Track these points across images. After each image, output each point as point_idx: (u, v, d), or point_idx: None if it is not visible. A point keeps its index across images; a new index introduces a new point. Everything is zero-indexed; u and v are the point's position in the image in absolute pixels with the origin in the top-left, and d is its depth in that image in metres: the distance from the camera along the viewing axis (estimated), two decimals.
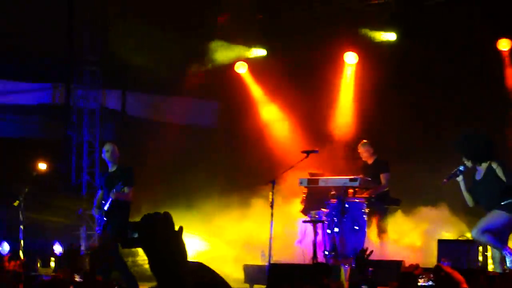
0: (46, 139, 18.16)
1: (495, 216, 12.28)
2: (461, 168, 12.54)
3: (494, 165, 12.46)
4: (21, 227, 15.72)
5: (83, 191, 17.87)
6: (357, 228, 14.12)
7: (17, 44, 17.23)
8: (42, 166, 17.06)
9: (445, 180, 12.93)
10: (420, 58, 16.56)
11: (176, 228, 5.30)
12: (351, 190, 14.67)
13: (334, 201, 14.32)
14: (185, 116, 18.57)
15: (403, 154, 15.82)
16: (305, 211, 14.93)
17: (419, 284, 7.82)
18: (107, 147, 13.92)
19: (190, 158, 17.03)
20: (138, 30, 17.45)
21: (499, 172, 12.42)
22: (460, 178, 12.56)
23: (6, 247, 15.87)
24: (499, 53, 16.65)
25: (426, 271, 8.00)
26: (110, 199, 13.48)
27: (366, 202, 14.46)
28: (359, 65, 17.51)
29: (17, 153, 17.56)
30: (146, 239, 7.26)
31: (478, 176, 12.47)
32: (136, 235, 7.53)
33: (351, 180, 14.66)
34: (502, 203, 12.28)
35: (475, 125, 14.76)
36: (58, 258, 15.47)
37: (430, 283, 8.03)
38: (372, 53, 17.21)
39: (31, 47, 17.34)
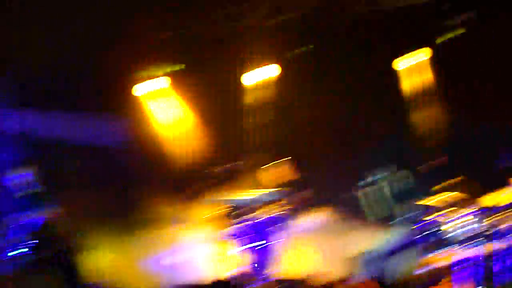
0: None
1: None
2: (381, 175, 13.80)
3: (403, 176, 13.60)
4: None
5: None
6: (269, 245, 14.16)
7: None
8: None
9: (361, 185, 14.15)
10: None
11: None
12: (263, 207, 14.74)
13: (246, 218, 14.43)
14: (91, 133, 17.49)
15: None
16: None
17: None
18: (27, 167, 14.30)
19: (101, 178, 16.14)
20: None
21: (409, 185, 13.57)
22: (379, 186, 13.74)
23: None
24: (396, 71, 16.67)
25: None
26: (31, 220, 13.61)
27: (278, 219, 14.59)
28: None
29: None
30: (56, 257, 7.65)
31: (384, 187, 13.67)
32: (47, 255, 8.02)
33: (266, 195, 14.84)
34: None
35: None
36: None
37: None
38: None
39: None
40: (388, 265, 13.05)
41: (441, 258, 12.81)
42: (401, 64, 16.70)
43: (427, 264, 12.06)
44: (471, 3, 16.33)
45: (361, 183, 13.72)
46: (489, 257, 12.86)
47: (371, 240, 13.94)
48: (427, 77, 16.70)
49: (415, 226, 13.29)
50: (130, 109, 17.43)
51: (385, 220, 13.67)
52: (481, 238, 13.26)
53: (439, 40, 16.62)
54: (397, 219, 13.39)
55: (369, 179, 13.72)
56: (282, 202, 14.78)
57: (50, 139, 17.31)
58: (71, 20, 16.39)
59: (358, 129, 15.96)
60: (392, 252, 13.07)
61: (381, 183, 13.70)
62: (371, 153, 14.08)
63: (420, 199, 14.49)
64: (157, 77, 17.47)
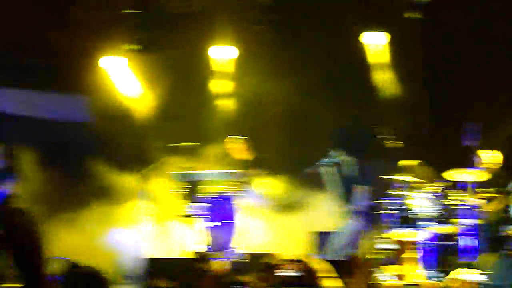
0: None
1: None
2: (335, 159, 13.47)
3: (349, 161, 13.91)
4: None
5: None
6: (230, 222, 14.05)
7: None
8: None
9: (310, 170, 14.01)
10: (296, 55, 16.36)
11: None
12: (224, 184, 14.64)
13: (212, 194, 14.31)
14: (60, 111, 17.74)
15: None
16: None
17: (279, 273, 7.85)
18: None
19: (61, 153, 16.11)
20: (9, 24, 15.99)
21: (353, 170, 13.90)
22: (325, 169, 13.64)
23: None
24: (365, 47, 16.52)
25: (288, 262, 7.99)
26: None
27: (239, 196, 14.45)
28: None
29: None
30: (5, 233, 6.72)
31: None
32: None
33: (224, 174, 14.73)
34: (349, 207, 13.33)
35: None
36: None
37: (291, 273, 7.89)
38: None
39: None
40: (346, 244, 13.16)
41: (402, 236, 12.53)
42: (362, 41, 16.36)
43: (388, 240, 11.86)
44: None
45: (316, 164, 13.72)
46: (448, 237, 12.77)
47: (328, 219, 13.93)
48: (387, 57, 16.34)
49: (374, 204, 13.13)
50: (91, 85, 17.22)
51: (342, 201, 13.61)
52: (440, 218, 12.92)
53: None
54: (355, 200, 13.33)
55: (324, 161, 13.64)
56: (240, 180, 14.64)
57: (11, 114, 17.27)
58: None
59: (314, 112, 15.97)
60: (351, 231, 13.17)
61: (335, 165, 13.64)
62: (326, 136, 14.16)
63: (378, 181, 14.19)
64: (118, 53, 17.28)
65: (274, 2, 16.78)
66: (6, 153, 13.53)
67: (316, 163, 13.63)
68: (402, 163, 13.86)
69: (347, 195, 13.47)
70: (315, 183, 14.20)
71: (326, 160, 13.55)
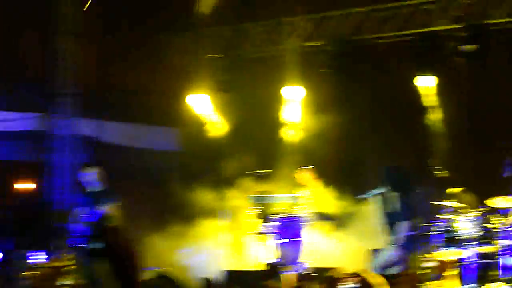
0: (29, 162, 18.16)
1: (385, 252, 12.86)
2: (380, 191, 12.97)
3: (399, 199, 12.91)
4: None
5: (63, 207, 17.56)
6: (298, 239, 14.02)
7: (5, 77, 17.18)
8: (26, 185, 17.67)
9: (363, 196, 13.37)
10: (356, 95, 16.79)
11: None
12: (293, 206, 14.61)
13: (280, 216, 14.20)
14: (152, 142, 18.77)
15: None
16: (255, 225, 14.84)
17: (341, 286, 8.07)
18: (91, 169, 13.85)
19: (156, 178, 17.20)
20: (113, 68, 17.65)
21: (396, 204, 12.87)
22: (377, 199, 13.03)
23: None
24: (418, 90, 16.70)
25: (351, 276, 8.22)
26: (97, 213, 13.40)
27: (308, 217, 14.40)
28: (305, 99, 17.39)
29: (5, 173, 17.72)
30: (107, 248, 7.59)
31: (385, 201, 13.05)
32: (100, 246, 7.81)
33: (294, 197, 14.75)
34: (389, 234, 12.85)
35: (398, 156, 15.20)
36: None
37: (357, 285, 8.09)
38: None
39: (18, 80, 17.44)
40: (395, 261, 12.94)
41: (446, 255, 12.59)
42: (416, 85, 16.57)
43: (432, 259, 11.95)
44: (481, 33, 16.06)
45: (368, 194, 13.28)
46: (488, 255, 12.77)
47: (379, 238, 13.86)
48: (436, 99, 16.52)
49: (415, 234, 13.07)
50: (182, 119, 18.14)
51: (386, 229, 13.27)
52: (482, 239, 12.86)
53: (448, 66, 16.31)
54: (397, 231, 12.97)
55: (372, 192, 13.21)
56: (308, 202, 14.68)
57: (112, 144, 18.56)
58: None
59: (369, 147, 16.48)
60: (400, 247, 12.92)
61: (380, 196, 13.24)
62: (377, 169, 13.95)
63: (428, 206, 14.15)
64: (202, 92, 17.92)
65: (338, 50, 16.97)
66: (104, 177, 13.86)
67: (366, 193, 13.37)
68: (449, 190, 13.61)
69: (390, 225, 13.16)
70: (366, 209, 14.32)
71: (373, 191, 13.23)
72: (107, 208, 13.45)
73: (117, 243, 12.93)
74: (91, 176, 13.70)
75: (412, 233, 13.07)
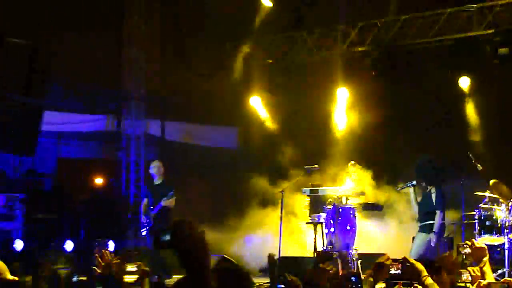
0: (102, 159, 18.75)
1: (418, 239, 13.22)
2: (413, 182, 13.40)
3: (433, 190, 13.23)
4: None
5: (131, 200, 18.32)
6: (348, 228, 14.30)
7: (79, 83, 17.55)
8: (99, 181, 18.06)
9: (398, 188, 14.02)
10: (397, 95, 16.99)
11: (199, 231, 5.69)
12: (344, 198, 14.80)
13: (330, 206, 14.50)
14: (213, 140, 19.22)
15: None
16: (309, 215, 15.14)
17: (390, 272, 7.52)
18: (155, 163, 14.70)
19: (215, 173, 17.61)
20: (176, 73, 18.03)
21: (433, 196, 13.17)
22: (411, 190, 13.44)
23: (69, 245, 15.77)
24: (461, 90, 16.90)
25: (395, 261, 7.70)
26: (160, 206, 14.19)
27: (356, 207, 14.68)
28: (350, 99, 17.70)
29: (79, 170, 18.09)
30: (174, 240, 7.35)
31: (422, 194, 13.37)
32: (167, 238, 7.71)
33: (344, 190, 14.94)
34: (422, 223, 13.25)
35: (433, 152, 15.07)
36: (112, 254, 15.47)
37: (399, 271, 7.55)
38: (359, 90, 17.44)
39: (90, 85, 17.81)
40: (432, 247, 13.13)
41: (484, 241, 12.56)
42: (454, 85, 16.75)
43: (472, 246, 11.93)
44: None
45: (405, 185, 13.57)
46: None
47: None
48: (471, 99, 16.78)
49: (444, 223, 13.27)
50: (246, 119, 18.54)
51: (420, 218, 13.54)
52: None
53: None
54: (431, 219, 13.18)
55: (410, 183, 13.46)
56: (355, 193, 14.83)
57: (175, 142, 19.07)
58: None
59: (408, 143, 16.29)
60: (436, 235, 13.12)
61: (413, 187, 13.52)
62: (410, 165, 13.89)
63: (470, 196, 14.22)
64: (261, 95, 18.32)
65: (382, 54, 17.11)
66: (163, 171, 14.63)
67: (404, 184, 13.69)
68: (491, 182, 13.81)
69: (425, 214, 13.35)
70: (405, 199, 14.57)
71: (410, 183, 13.52)
72: (167, 201, 14.16)
73: (184, 236, 13.40)
74: (152, 169, 14.56)
75: (445, 222, 13.36)
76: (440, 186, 13.33)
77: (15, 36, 14.86)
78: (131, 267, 9.16)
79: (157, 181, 14.68)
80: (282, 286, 6.86)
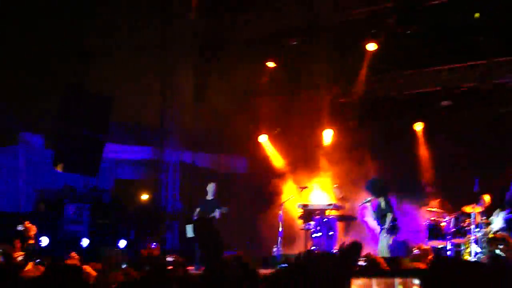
0: (147, 180, 18.78)
1: (381, 238, 13.26)
2: (369, 199, 13.58)
3: (381, 199, 13.40)
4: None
5: (168, 211, 18.35)
6: (331, 233, 14.54)
7: (131, 121, 17.79)
8: (145, 196, 18.25)
9: (359, 205, 14.02)
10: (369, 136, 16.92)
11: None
12: (328, 211, 15.02)
13: (317, 217, 14.69)
14: (228, 166, 19.16)
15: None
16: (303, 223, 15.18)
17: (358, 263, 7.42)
18: (211, 185, 14.72)
19: (231, 192, 17.09)
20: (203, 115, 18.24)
21: (382, 204, 13.35)
22: (368, 205, 13.63)
23: (122, 243, 16.09)
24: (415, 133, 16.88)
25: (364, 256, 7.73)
26: (216, 216, 14.25)
27: (336, 218, 14.84)
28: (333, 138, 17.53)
29: (130, 188, 18.35)
30: (197, 236, 6.95)
31: (375, 205, 13.45)
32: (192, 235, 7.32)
33: (328, 205, 15.23)
34: (382, 227, 13.34)
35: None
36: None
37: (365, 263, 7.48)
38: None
39: (140, 123, 18.09)
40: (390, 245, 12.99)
41: (430, 244, 12.75)
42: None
43: (420, 247, 11.06)
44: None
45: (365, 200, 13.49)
46: (461, 245, 13.22)
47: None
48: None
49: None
50: (254, 150, 18.27)
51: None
52: (457, 234, 13.29)
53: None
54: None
55: (368, 199, 13.51)
56: (336, 208, 14.87)
57: (202, 168, 18.85)
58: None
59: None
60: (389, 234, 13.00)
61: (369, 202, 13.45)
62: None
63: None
64: (267, 133, 18.25)
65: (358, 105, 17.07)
66: (215, 190, 14.67)
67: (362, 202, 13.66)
68: (437, 200, 14.30)
69: (380, 220, 13.23)
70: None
71: (366, 199, 13.52)
72: (217, 213, 14.15)
73: (203, 233, 12.98)
74: (208, 188, 14.56)
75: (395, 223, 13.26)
76: (386, 197, 13.29)
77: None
78: (169, 258, 9.38)
79: (209, 197, 14.74)
80: (285, 265, 6.98)
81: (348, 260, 6.59)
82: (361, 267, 7.23)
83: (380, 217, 13.32)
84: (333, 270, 4.64)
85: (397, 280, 4.43)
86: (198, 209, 14.87)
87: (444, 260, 5.37)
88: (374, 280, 4.47)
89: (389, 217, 13.22)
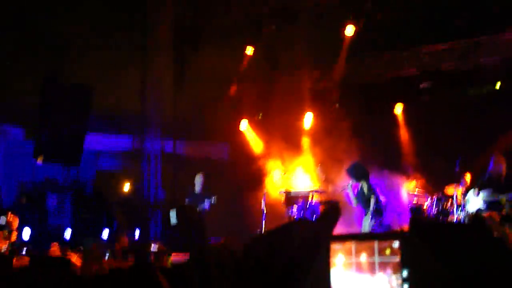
0: (129, 170, 18.67)
1: (365, 222, 13.05)
2: (349, 183, 13.34)
3: (363, 183, 13.17)
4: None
5: (151, 201, 18.45)
6: (314, 218, 14.03)
7: (110, 109, 17.57)
8: (127, 186, 18.23)
9: (340, 190, 13.80)
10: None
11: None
12: (311, 196, 15.13)
13: (300, 203, 14.83)
14: (210, 153, 19.06)
15: None
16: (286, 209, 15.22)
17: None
18: (199, 176, 14.75)
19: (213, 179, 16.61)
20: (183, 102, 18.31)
21: (364, 188, 13.15)
22: (349, 189, 13.33)
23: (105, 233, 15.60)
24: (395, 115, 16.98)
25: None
26: (205, 208, 14.32)
27: (320, 203, 14.80)
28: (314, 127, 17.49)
29: (112, 179, 18.26)
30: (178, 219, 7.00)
31: (357, 190, 13.20)
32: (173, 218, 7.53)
33: (310, 190, 15.36)
34: (365, 211, 13.11)
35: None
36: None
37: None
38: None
39: (120, 112, 17.95)
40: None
41: None
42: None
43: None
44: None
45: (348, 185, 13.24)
46: None
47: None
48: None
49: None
50: (236, 137, 18.31)
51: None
52: (440, 214, 13.33)
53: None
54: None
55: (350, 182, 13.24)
56: (318, 193, 14.99)
57: (183, 156, 18.77)
58: None
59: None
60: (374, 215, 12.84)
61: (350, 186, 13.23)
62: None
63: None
64: (248, 118, 18.30)
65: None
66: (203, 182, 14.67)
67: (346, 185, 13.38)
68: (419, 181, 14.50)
69: (363, 203, 13.12)
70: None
71: (347, 184, 13.30)
72: (206, 204, 14.19)
73: (185, 218, 12.86)
74: (196, 180, 14.58)
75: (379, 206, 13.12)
76: (368, 180, 13.23)
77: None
78: (154, 246, 9.84)
79: (197, 190, 14.78)
80: None
81: (327, 224, 6.39)
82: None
83: (364, 201, 13.26)
84: (311, 235, 4.56)
85: (377, 243, 4.47)
86: (186, 201, 14.90)
87: (422, 220, 5.08)
88: (354, 245, 4.51)
89: (372, 200, 13.18)
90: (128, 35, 17.95)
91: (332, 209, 6.28)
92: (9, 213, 11.64)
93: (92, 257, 8.86)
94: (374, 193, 13.24)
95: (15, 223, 11.81)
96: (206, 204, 14.39)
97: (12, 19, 16.03)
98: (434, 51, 16.42)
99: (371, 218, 13.15)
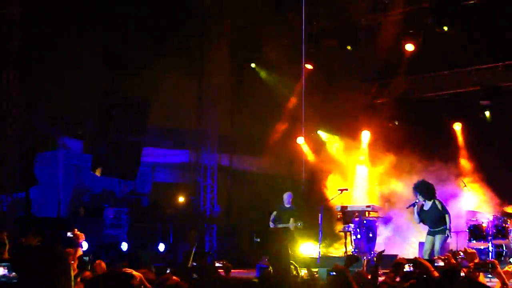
0: (185, 183, 18.85)
1: (438, 239, 12.54)
2: (417, 201, 12.79)
3: (437, 202, 12.75)
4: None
5: (207, 214, 18.50)
6: (371, 235, 14.49)
7: (169, 125, 17.89)
8: (181, 199, 18.30)
9: (407, 207, 13.37)
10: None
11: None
12: (367, 212, 15.17)
13: (357, 219, 14.63)
14: (268, 168, 19.14)
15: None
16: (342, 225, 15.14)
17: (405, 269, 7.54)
18: (286, 193, 14.69)
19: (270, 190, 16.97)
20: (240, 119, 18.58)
21: (439, 206, 12.71)
22: (414, 208, 12.83)
23: (161, 247, 15.96)
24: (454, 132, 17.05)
25: (409, 261, 7.78)
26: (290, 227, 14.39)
27: (376, 219, 14.95)
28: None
29: (168, 191, 18.28)
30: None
31: (426, 207, 12.71)
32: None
33: (367, 206, 15.37)
34: (440, 228, 12.57)
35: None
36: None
37: (411, 268, 7.56)
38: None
39: (177, 126, 18.23)
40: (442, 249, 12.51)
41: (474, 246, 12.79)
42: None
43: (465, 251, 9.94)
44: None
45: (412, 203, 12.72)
46: (502, 247, 13.42)
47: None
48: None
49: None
50: (292, 152, 18.11)
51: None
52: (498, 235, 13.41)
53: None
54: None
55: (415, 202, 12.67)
56: (372, 210, 15.13)
57: (238, 169, 19.03)
58: None
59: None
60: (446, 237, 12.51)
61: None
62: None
63: None
64: (305, 135, 17.80)
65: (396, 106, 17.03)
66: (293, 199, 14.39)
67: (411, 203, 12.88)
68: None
69: (434, 222, 12.61)
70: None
71: (412, 203, 12.83)
72: (291, 225, 14.12)
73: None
74: (285, 195, 14.55)
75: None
76: (437, 199, 12.89)
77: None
78: (218, 263, 9.64)
79: (287, 205, 14.67)
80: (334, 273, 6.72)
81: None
82: (407, 273, 7.16)
83: (436, 219, 12.83)
84: None
85: None
86: (274, 213, 14.82)
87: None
88: None
89: (447, 218, 12.80)
90: (186, 53, 18.15)
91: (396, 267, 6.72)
92: (75, 229, 11.71)
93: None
94: (447, 211, 12.97)
95: (81, 238, 11.91)
96: (291, 225, 14.39)
97: (75, 34, 16.27)
98: (494, 69, 16.47)
99: (446, 236, 12.76)
